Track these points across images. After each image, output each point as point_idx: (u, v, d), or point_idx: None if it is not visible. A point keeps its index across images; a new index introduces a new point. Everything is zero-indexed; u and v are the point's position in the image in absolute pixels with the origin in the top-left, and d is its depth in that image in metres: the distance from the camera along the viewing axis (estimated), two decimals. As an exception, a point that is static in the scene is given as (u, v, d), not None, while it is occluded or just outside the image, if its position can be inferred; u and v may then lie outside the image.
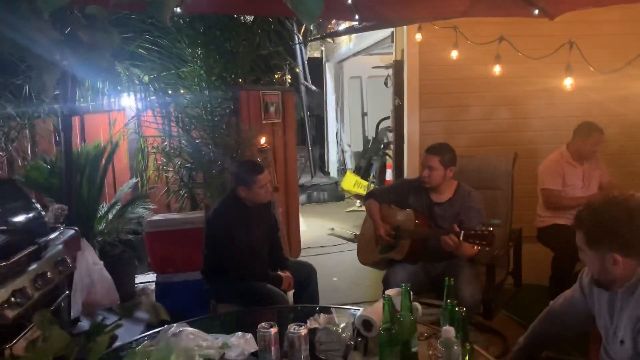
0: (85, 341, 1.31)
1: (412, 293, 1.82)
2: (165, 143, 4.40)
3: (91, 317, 3.54)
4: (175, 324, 1.82)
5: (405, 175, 4.98)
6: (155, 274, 4.06)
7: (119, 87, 4.56)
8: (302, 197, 8.50)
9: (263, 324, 1.76)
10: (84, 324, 3.53)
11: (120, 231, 4.30)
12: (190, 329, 1.75)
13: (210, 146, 4.24)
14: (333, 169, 10.62)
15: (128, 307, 1.83)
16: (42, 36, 1.50)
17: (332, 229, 6.51)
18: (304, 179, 9.20)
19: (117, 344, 3.26)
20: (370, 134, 9.68)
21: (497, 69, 3.51)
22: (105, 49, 1.52)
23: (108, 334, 1.37)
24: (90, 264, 3.39)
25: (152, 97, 4.31)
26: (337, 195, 8.68)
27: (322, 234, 6.46)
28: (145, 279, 4.81)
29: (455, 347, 1.43)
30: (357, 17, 3.01)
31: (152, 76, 4.33)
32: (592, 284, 1.73)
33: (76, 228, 3.18)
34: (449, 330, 1.46)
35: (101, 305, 3.46)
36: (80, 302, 3.32)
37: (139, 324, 3.61)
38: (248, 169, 2.99)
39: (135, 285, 4.73)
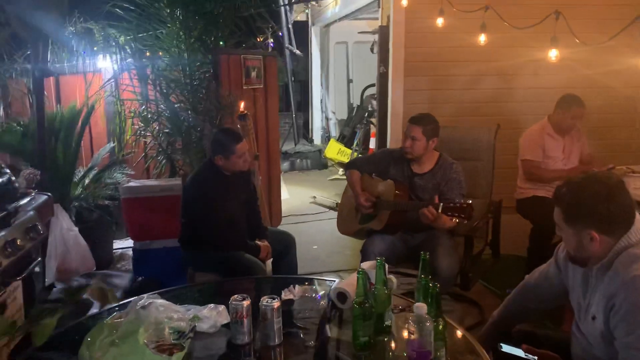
0: (29, 325, 1.27)
1: (387, 265, 1.80)
2: (143, 107, 4.28)
3: (66, 283, 3.50)
4: (145, 295, 1.78)
5: (388, 145, 4.94)
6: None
7: (95, 48, 4.41)
8: (285, 165, 8.45)
9: (235, 296, 1.72)
10: (60, 290, 3.50)
11: (96, 196, 4.21)
12: (160, 300, 1.71)
13: (189, 111, 4.13)
14: (317, 136, 10.53)
15: (74, 291, 1.77)
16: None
17: (314, 197, 6.49)
18: (287, 146, 9.13)
19: (93, 310, 3.28)
20: (356, 102, 9.58)
21: (482, 38, 3.45)
22: (52, 8, 1.42)
23: (56, 315, 1.32)
24: (64, 230, 3.32)
25: (129, 60, 4.17)
26: (320, 163, 8.64)
27: (304, 202, 6.44)
28: (124, 245, 4.76)
29: (428, 324, 1.42)
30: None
31: (129, 37, 4.18)
32: (568, 260, 1.72)
33: (49, 194, 3.10)
34: (420, 307, 1.44)
35: (76, 272, 3.41)
36: (55, 269, 3.27)
37: (116, 291, 3.60)
38: (226, 138, 2.92)
39: (114, 250, 4.69)
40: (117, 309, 1.91)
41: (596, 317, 1.61)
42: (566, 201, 1.61)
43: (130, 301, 1.77)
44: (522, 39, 4.21)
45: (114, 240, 4.76)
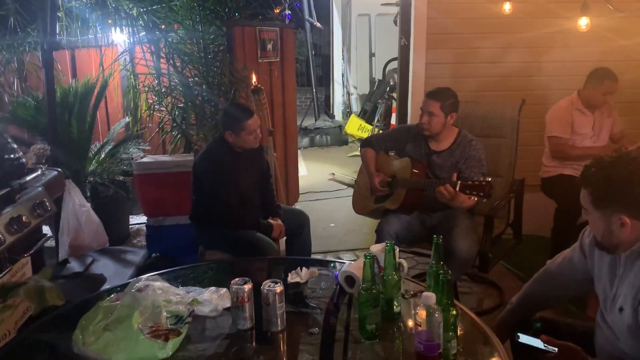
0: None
1: (403, 245, 1.70)
2: (157, 81, 4.20)
3: (79, 259, 3.49)
4: (144, 276, 1.72)
5: (409, 121, 4.78)
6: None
7: (109, 21, 4.32)
8: (305, 141, 8.34)
9: (237, 279, 1.65)
10: (73, 266, 3.49)
11: (112, 172, 4.19)
12: (158, 283, 1.64)
13: (203, 86, 4.04)
14: (338, 111, 10.37)
15: (6, 289, 1.68)
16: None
17: (333, 174, 6.38)
18: (308, 122, 9.00)
19: (106, 286, 3.27)
20: (378, 76, 9.36)
21: (507, 7, 3.24)
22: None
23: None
24: (77, 206, 3.29)
25: (142, 33, 4.08)
26: (340, 139, 8.49)
27: (323, 179, 6.34)
28: (141, 220, 4.75)
29: (436, 315, 1.31)
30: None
31: (142, 9, 4.08)
32: (594, 246, 1.58)
33: (59, 169, 3.06)
34: (429, 297, 1.34)
35: (90, 248, 3.39)
36: (68, 245, 3.26)
37: (129, 267, 3.58)
38: (235, 113, 2.81)
39: (130, 226, 4.68)
40: (118, 289, 1.86)
41: (624, 308, 1.49)
42: (595, 182, 1.47)
43: (129, 282, 1.71)
44: (551, 8, 3.98)
45: (131, 216, 4.76)
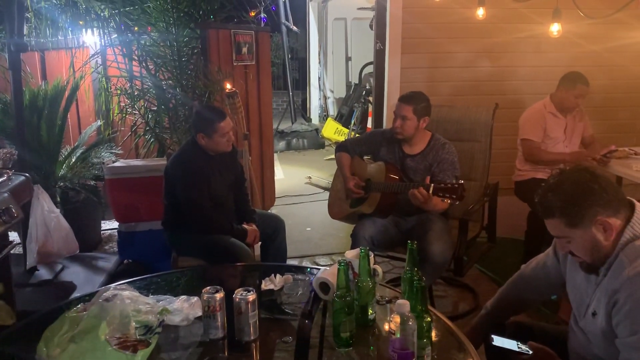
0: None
1: (379, 249, 1.69)
2: (129, 84, 4.12)
3: (48, 266, 3.40)
4: (112, 285, 1.67)
5: (385, 125, 4.78)
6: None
7: (80, 23, 4.22)
8: (282, 144, 8.31)
9: (208, 288, 1.61)
10: (42, 273, 3.40)
11: (83, 176, 4.09)
12: (127, 292, 1.59)
13: (177, 89, 3.98)
14: (315, 115, 10.36)
15: None
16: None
17: (309, 177, 6.36)
18: (284, 125, 8.97)
19: (76, 294, 3.18)
20: (354, 80, 9.38)
21: (480, 12, 3.27)
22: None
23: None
24: (45, 212, 3.19)
25: (114, 35, 4.00)
26: (317, 142, 8.48)
27: (300, 182, 6.32)
28: (113, 226, 4.66)
29: (410, 323, 1.30)
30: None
31: (114, 11, 4.00)
32: (586, 271, 1.53)
33: (27, 174, 2.97)
34: (402, 305, 1.32)
35: (59, 255, 3.30)
36: (36, 252, 3.16)
37: (101, 274, 3.49)
38: (207, 115, 2.77)
39: (102, 232, 4.59)
40: (87, 298, 1.80)
41: (597, 313, 1.49)
42: (559, 205, 1.44)
43: (97, 292, 1.65)
44: (524, 13, 4.03)
45: (103, 221, 4.66)
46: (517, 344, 1.63)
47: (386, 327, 1.60)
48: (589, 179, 1.44)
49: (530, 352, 1.61)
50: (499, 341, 1.68)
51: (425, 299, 1.44)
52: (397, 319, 1.31)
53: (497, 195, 3.27)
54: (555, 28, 2.70)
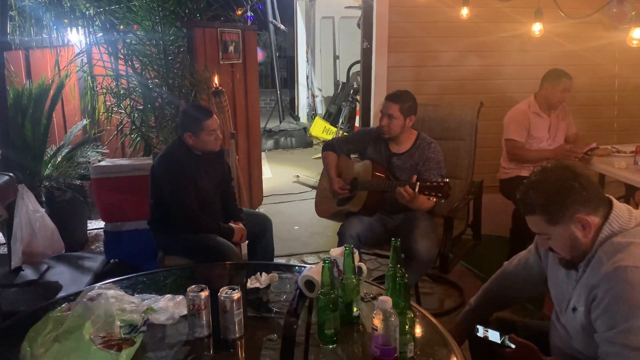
0: None
1: (365, 247, 1.70)
2: (115, 83, 4.10)
3: (34, 266, 3.37)
4: (97, 284, 1.67)
5: (372, 123, 4.80)
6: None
7: (64, 20, 4.19)
8: (270, 143, 8.30)
9: (193, 286, 1.62)
10: (27, 273, 3.37)
11: (68, 176, 4.06)
12: (112, 291, 1.59)
13: (163, 87, 3.96)
14: (303, 113, 10.36)
15: None
16: None
17: (297, 176, 6.37)
18: (272, 124, 8.96)
19: (62, 294, 3.16)
20: (342, 79, 9.39)
21: (464, 12, 3.30)
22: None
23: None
24: (30, 212, 3.17)
25: (100, 34, 3.97)
26: (305, 141, 8.49)
27: (287, 181, 6.32)
28: (99, 226, 4.64)
29: (392, 319, 1.32)
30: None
31: (99, 9, 3.98)
32: (565, 267, 1.56)
33: (11, 174, 2.95)
34: (385, 301, 1.34)
35: (44, 255, 3.28)
36: (21, 252, 3.14)
37: (87, 274, 3.47)
38: (194, 114, 2.77)
39: (88, 231, 4.56)
40: (71, 298, 1.80)
41: (577, 308, 1.52)
42: (540, 202, 1.47)
43: (82, 291, 1.65)
44: (508, 13, 4.07)
45: (89, 221, 4.63)
46: (500, 335, 1.65)
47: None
48: (569, 177, 1.46)
49: (513, 346, 1.64)
50: (482, 332, 1.70)
51: (408, 296, 1.46)
52: (380, 315, 1.33)
53: (482, 193, 3.30)
54: (537, 28, 2.73)
